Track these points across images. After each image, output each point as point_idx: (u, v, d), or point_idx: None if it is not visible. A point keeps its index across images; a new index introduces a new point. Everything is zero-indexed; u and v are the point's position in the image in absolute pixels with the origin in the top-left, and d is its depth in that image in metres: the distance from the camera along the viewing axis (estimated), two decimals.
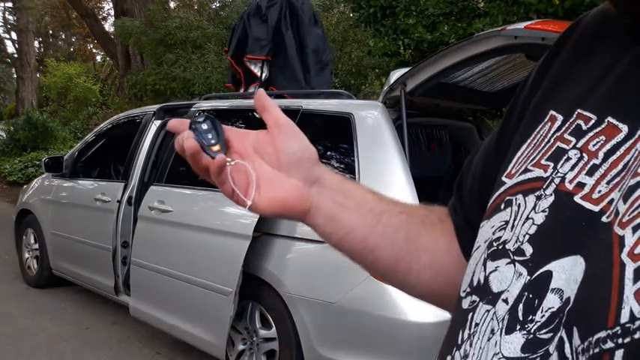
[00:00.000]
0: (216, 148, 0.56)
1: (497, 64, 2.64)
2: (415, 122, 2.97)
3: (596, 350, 0.32)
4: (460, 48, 2.35)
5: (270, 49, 4.06)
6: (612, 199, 0.37)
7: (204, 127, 0.58)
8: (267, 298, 2.68)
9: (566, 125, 0.44)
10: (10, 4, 21.61)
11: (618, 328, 0.31)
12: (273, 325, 2.66)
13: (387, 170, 2.41)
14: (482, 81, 2.88)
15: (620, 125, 0.40)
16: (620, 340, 0.31)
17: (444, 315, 2.16)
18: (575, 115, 0.44)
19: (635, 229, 0.34)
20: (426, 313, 2.17)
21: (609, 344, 0.32)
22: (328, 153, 2.84)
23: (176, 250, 3.06)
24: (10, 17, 23.22)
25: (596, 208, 0.38)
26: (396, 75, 2.64)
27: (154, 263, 3.14)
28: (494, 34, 2.23)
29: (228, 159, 0.56)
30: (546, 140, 0.45)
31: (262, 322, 2.76)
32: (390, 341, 2.25)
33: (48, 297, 4.40)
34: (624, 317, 0.31)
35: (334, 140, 2.84)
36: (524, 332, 0.38)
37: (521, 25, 2.13)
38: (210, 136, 0.57)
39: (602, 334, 0.32)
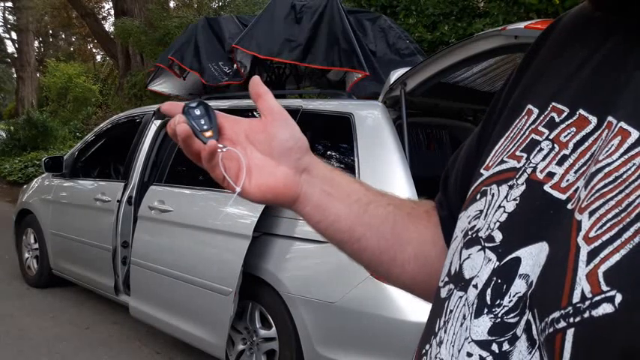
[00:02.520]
0: (208, 133, 0.57)
1: (497, 64, 2.64)
2: (415, 122, 2.97)
3: (551, 330, 0.33)
4: (460, 48, 2.35)
5: (301, 53, 3.60)
6: (578, 187, 0.38)
7: (197, 112, 0.58)
8: (267, 298, 2.68)
9: (541, 118, 0.46)
10: (10, 4, 21.63)
11: (570, 308, 0.33)
12: (273, 325, 2.66)
13: (387, 170, 2.41)
14: (482, 81, 2.88)
15: (590, 117, 0.41)
16: (571, 320, 0.32)
17: None
18: (549, 108, 0.45)
19: (591, 214, 0.35)
20: (426, 313, 2.16)
21: (562, 324, 0.33)
22: (328, 153, 2.84)
23: (176, 250, 3.06)
24: (10, 17, 23.22)
25: (564, 197, 0.39)
26: (396, 75, 2.64)
27: (154, 263, 3.14)
28: (494, 34, 2.23)
29: (220, 145, 0.57)
30: (522, 133, 0.47)
31: (262, 322, 2.76)
32: (389, 341, 2.25)
33: (48, 297, 4.40)
34: (576, 297, 0.33)
35: (334, 140, 2.84)
36: (492, 316, 0.39)
37: (521, 25, 2.13)
38: (202, 121, 0.57)
39: (557, 314, 0.33)
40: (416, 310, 2.18)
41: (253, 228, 2.55)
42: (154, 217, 3.18)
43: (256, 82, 0.60)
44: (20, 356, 3.30)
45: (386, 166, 2.42)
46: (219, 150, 0.56)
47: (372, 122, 2.59)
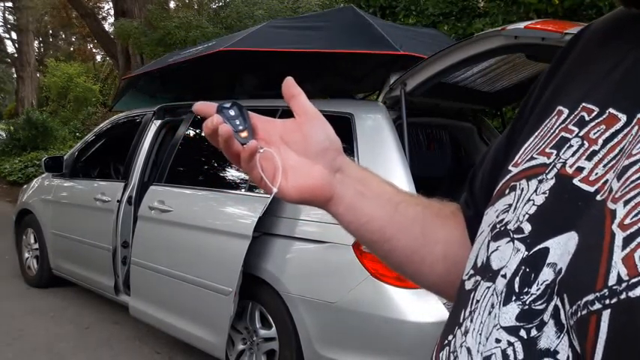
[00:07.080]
0: (244, 134, 0.56)
1: (497, 64, 2.64)
2: (415, 122, 2.97)
3: (584, 312, 0.34)
4: (460, 48, 2.36)
5: (320, 41, 3.15)
6: (607, 180, 0.40)
7: (232, 112, 0.58)
8: (267, 298, 2.68)
9: (571, 117, 0.47)
10: (10, 4, 21.60)
11: (606, 290, 0.34)
12: (273, 325, 2.66)
13: (387, 170, 2.41)
14: (482, 81, 2.88)
15: (620, 115, 0.43)
16: (607, 301, 0.33)
17: (444, 315, 2.16)
18: (580, 108, 0.47)
19: (626, 203, 0.36)
20: (426, 313, 2.17)
21: (597, 305, 0.34)
22: None
23: (176, 250, 3.06)
24: (10, 17, 23.20)
25: (592, 189, 0.40)
26: (396, 75, 2.64)
27: (154, 263, 3.14)
28: (494, 34, 2.23)
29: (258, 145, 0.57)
30: (552, 131, 0.48)
31: (262, 322, 2.76)
32: (389, 341, 2.25)
33: (48, 297, 4.40)
34: (612, 280, 0.34)
35: None
36: (520, 303, 0.40)
37: (521, 25, 2.13)
38: (237, 122, 0.57)
39: (591, 296, 0.34)
40: (415, 310, 2.19)
41: (253, 228, 2.55)
42: (154, 217, 3.18)
43: (290, 84, 0.60)
44: (20, 356, 3.30)
45: (386, 167, 2.42)
46: (257, 151, 0.56)
47: (372, 122, 2.59)
